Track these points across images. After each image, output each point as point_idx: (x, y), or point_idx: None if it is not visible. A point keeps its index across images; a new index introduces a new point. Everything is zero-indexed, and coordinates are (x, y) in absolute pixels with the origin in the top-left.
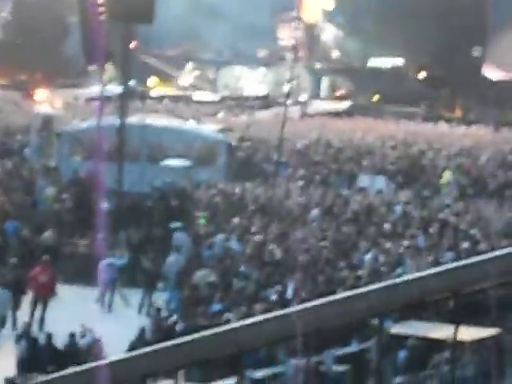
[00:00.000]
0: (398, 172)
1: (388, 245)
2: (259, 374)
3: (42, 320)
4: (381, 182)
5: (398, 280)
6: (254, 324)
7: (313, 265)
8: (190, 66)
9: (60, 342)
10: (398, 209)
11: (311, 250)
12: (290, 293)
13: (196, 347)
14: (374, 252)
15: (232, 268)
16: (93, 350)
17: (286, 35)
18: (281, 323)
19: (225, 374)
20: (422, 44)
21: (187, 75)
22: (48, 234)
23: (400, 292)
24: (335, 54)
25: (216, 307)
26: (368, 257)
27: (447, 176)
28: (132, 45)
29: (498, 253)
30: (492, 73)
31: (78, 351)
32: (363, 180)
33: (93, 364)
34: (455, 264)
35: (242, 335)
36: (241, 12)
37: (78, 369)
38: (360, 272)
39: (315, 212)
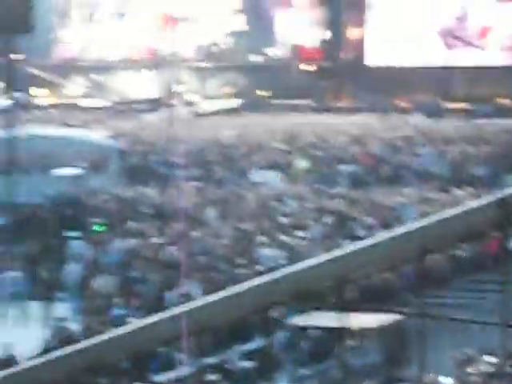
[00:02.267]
0: (289, 165)
1: (285, 238)
2: (162, 377)
3: None
4: (273, 176)
5: (286, 270)
6: (148, 325)
7: (212, 264)
8: (77, 73)
9: None
10: (293, 202)
11: (210, 249)
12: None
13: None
14: (272, 246)
15: (131, 272)
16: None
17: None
18: (176, 322)
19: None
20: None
21: (75, 83)
22: None
23: (288, 282)
24: (220, 51)
25: (117, 312)
26: (266, 251)
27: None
28: (15, 56)
29: (388, 235)
30: (372, 60)
31: None
32: (256, 175)
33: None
34: (341, 251)
35: (138, 337)
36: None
37: None
38: (259, 267)
39: (211, 211)
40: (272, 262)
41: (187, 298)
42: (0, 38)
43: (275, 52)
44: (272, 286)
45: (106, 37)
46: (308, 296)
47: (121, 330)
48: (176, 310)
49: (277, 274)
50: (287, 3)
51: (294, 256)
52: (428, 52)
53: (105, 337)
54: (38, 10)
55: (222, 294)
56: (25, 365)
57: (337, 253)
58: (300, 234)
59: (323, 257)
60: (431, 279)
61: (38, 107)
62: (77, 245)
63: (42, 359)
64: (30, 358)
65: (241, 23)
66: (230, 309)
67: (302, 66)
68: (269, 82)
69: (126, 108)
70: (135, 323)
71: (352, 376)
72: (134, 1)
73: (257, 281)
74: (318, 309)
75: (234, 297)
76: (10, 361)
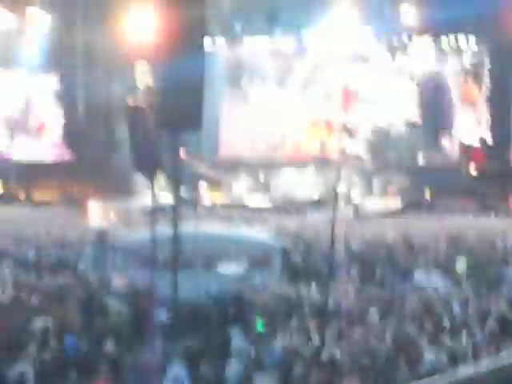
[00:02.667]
0: (454, 267)
1: (448, 342)
2: None
3: None
4: (437, 278)
5: (452, 373)
6: None
7: (374, 365)
8: (241, 172)
9: None
10: (456, 305)
11: (371, 349)
12: None
13: None
14: (435, 349)
15: (292, 372)
16: None
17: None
18: None
19: None
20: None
21: (239, 181)
22: (107, 347)
23: None
24: (385, 152)
25: None
26: (429, 354)
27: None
28: (182, 153)
29: None
30: None
31: None
32: (419, 277)
33: None
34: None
35: None
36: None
37: None
38: (421, 370)
39: (373, 311)
40: (434, 364)
41: None
42: (168, 134)
43: (443, 150)
44: None
45: (270, 135)
46: None
47: None
48: None
49: (439, 378)
50: (468, 99)
51: (457, 360)
52: None
53: None
54: (206, 106)
55: None
56: None
57: (499, 358)
58: (464, 338)
59: (485, 361)
60: None
61: (203, 205)
62: (239, 342)
63: None
64: None
65: (415, 114)
66: None
67: (469, 167)
68: (434, 182)
69: (290, 207)
70: None
71: None
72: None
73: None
74: None
75: None
76: None
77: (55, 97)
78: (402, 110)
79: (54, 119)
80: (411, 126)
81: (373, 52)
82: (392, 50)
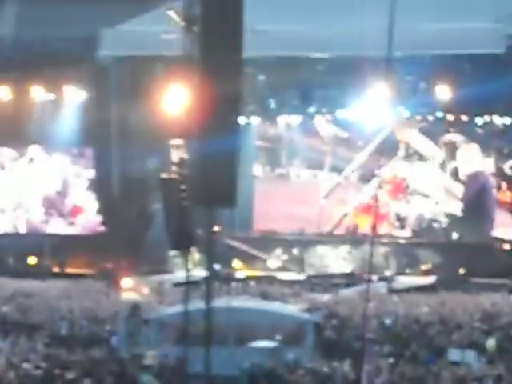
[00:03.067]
0: (488, 345)
1: None
2: None
3: None
4: (471, 356)
5: None
6: None
7: None
8: (277, 246)
9: None
10: (490, 382)
11: None
12: None
13: None
14: None
15: None
16: None
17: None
18: None
19: None
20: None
21: (274, 257)
22: None
23: None
24: (418, 227)
25: None
26: None
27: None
28: (216, 228)
29: None
30: None
31: None
32: (453, 354)
33: None
34: None
35: None
36: None
37: None
38: None
39: None
40: None
41: None
42: (203, 211)
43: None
44: None
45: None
46: None
47: None
48: None
49: None
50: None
51: None
52: None
53: None
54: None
55: None
56: None
57: None
58: None
59: None
60: None
61: (236, 279)
62: None
63: None
64: None
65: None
66: None
67: (503, 246)
68: (467, 260)
69: (323, 282)
70: None
71: None
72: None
73: None
74: None
75: None
76: None
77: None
78: (445, 204)
79: (89, 201)
80: (450, 216)
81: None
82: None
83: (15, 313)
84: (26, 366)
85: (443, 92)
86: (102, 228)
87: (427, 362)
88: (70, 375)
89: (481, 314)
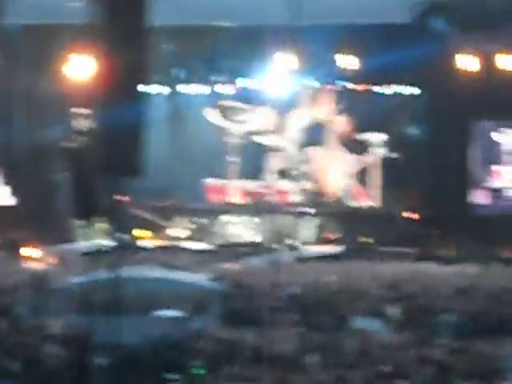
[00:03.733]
0: (392, 313)
1: None
2: None
3: None
4: (376, 323)
5: None
6: None
7: None
8: (182, 217)
9: None
10: (394, 350)
11: None
12: None
13: None
14: None
15: None
16: None
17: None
18: None
19: None
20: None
21: (180, 226)
22: None
23: None
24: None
25: None
26: None
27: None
28: (123, 198)
29: None
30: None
31: None
32: (357, 322)
33: None
34: None
35: None
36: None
37: None
38: None
39: (311, 357)
40: None
41: None
42: (107, 180)
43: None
44: None
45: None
46: None
47: None
48: None
49: None
50: None
51: None
52: None
53: None
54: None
55: None
56: None
57: None
58: (401, 383)
59: None
60: None
61: (141, 249)
62: None
63: None
64: None
65: None
66: None
67: (407, 214)
68: (372, 229)
69: (229, 251)
70: None
71: None
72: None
73: None
74: None
75: None
76: None
77: None
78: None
79: None
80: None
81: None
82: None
83: None
84: None
85: (351, 62)
86: (12, 200)
87: (332, 330)
88: None
89: (386, 283)
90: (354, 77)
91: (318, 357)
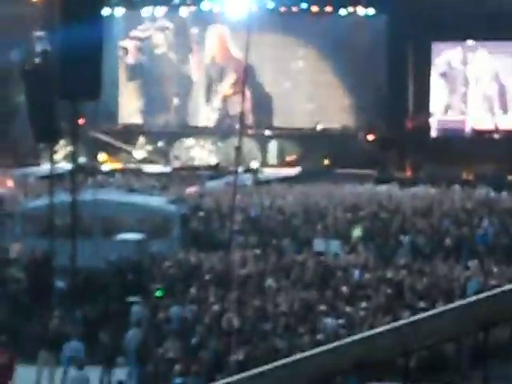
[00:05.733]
0: (351, 234)
1: (346, 308)
2: None
3: None
4: (336, 245)
5: (350, 339)
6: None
7: (272, 332)
8: (141, 139)
9: None
10: (356, 272)
11: (270, 317)
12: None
13: None
14: (333, 316)
15: (191, 339)
16: None
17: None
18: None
19: None
20: (372, 106)
21: (139, 149)
22: (4, 315)
23: (348, 352)
24: (283, 118)
25: (177, 379)
26: (327, 321)
27: (357, 232)
28: (80, 121)
29: (450, 306)
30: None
31: None
32: (317, 244)
33: None
34: (404, 321)
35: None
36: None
37: None
38: (319, 336)
39: (271, 278)
40: (332, 331)
41: (245, 365)
42: (67, 104)
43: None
44: (332, 356)
45: (171, 104)
46: (368, 367)
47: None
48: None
49: (337, 344)
50: None
51: (355, 326)
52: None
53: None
54: (105, 75)
55: (280, 362)
56: None
57: (397, 324)
58: (361, 304)
59: (383, 328)
60: (493, 352)
61: (101, 172)
62: (137, 310)
63: None
64: None
65: None
66: (289, 379)
67: (366, 135)
68: (331, 150)
69: (188, 174)
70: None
71: None
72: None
73: (316, 350)
74: (378, 380)
75: (293, 366)
76: None
77: None
78: None
79: None
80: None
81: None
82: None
83: None
84: None
85: None
86: None
87: (291, 252)
88: None
89: (345, 205)
90: None
91: (278, 278)
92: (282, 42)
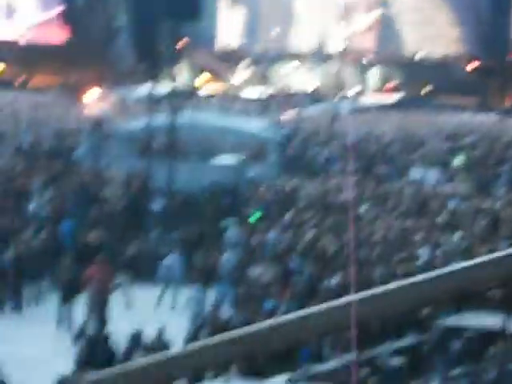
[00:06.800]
0: (450, 164)
1: (443, 238)
2: (316, 368)
3: (101, 320)
4: (433, 174)
5: (447, 269)
6: (305, 317)
7: (368, 259)
8: (240, 64)
9: (120, 341)
10: (453, 202)
11: (365, 244)
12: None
13: (249, 340)
14: (429, 245)
15: (286, 263)
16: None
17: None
18: (333, 315)
19: (277, 369)
20: (474, 34)
21: (240, 72)
22: (102, 234)
23: (450, 281)
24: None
25: (271, 303)
26: (423, 250)
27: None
28: (181, 43)
29: None
30: None
31: (139, 351)
32: (415, 173)
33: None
34: (504, 252)
35: (293, 328)
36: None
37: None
38: (415, 266)
39: (368, 206)
40: (428, 261)
41: (342, 290)
42: (167, 24)
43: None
44: (428, 285)
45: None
46: (464, 296)
47: (274, 321)
48: (331, 304)
49: (433, 274)
50: None
51: (451, 256)
52: None
53: (257, 327)
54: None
55: (377, 290)
56: (176, 351)
57: (495, 255)
58: (458, 234)
59: (480, 258)
60: None
61: (200, 95)
62: (233, 233)
63: (194, 346)
64: (183, 344)
65: None
66: (384, 305)
67: (467, 64)
68: (432, 79)
69: (288, 99)
70: (290, 315)
71: (506, 379)
72: None
73: (412, 279)
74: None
75: (389, 294)
76: (162, 345)
77: None
78: None
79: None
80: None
81: None
82: None
83: None
84: None
85: None
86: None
87: (389, 179)
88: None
89: (444, 133)
90: None
91: (375, 206)
92: None
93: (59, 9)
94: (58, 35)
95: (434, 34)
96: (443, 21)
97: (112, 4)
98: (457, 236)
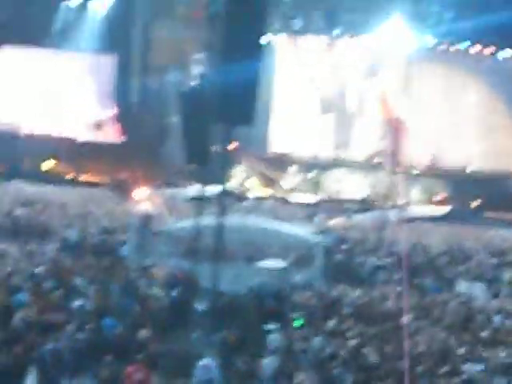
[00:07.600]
0: (497, 278)
1: (486, 353)
2: None
3: None
4: (480, 288)
5: None
6: None
7: (411, 370)
8: (291, 169)
9: None
10: (497, 318)
11: (407, 355)
12: None
13: None
14: (472, 360)
15: (328, 372)
16: None
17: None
18: None
19: None
20: None
21: (290, 178)
22: (144, 333)
23: None
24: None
25: None
26: (466, 365)
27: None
28: (232, 146)
29: None
30: None
31: None
32: (461, 286)
33: None
34: None
35: None
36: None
37: None
38: (458, 380)
39: (412, 316)
40: (472, 376)
41: None
42: (219, 128)
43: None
44: None
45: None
46: None
47: None
48: None
49: None
50: None
51: (495, 373)
52: None
53: None
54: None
55: None
56: None
57: None
58: (502, 350)
59: None
60: None
61: (248, 198)
62: (275, 338)
63: None
64: None
65: None
66: None
67: None
68: (482, 192)
69: (336, 206)
70: None
71: None
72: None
73: None
74: None
75: None
76: None
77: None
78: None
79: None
80: None
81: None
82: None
83: (28, 217)
84: (35, 270)
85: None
86: (120, 138)
87: (434, 292)
88: (77, 281)
89: (491, 249)
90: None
91: (419, 316)
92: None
93: (115, 108)
94: (113, 134)
95: (493, 149)
96: (502, 135)
97: (165, 105)
98: (502, 352)
